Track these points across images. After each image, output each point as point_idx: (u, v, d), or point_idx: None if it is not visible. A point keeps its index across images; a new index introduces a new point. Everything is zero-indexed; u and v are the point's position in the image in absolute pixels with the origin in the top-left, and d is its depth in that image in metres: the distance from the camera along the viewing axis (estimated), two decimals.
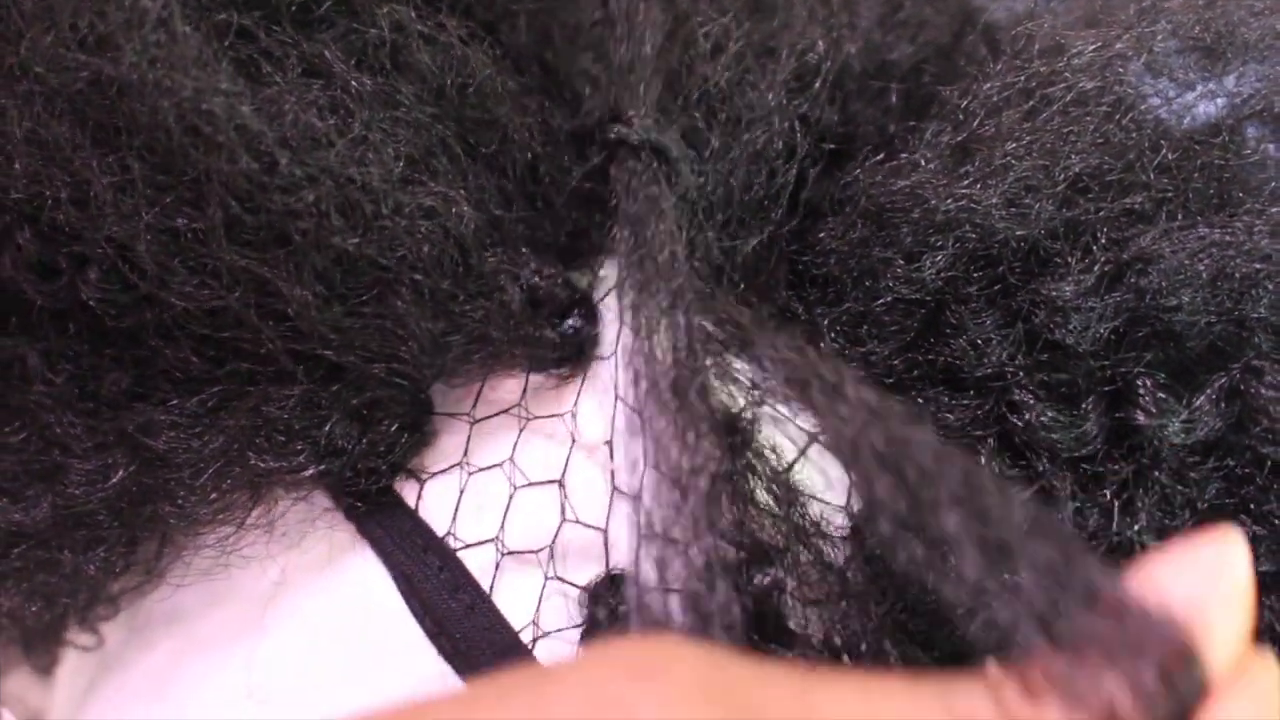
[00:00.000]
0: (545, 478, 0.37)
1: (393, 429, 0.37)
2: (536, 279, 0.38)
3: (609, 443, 0.37)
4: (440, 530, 0.37)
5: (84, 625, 0.40)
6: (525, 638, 0.36)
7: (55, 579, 0.36)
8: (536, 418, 0.38)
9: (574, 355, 0.38)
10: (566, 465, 0.37)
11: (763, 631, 0.34)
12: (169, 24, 0.32)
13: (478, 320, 0.36)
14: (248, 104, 0.33)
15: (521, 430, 0.38)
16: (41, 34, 0.32)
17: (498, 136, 0.38)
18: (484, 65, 0.38)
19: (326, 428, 0.36)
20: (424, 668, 0.35)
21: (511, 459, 0.37)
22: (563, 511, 0.37)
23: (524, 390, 0.38)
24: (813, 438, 0.39)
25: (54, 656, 0.43)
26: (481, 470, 0.38)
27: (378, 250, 0.35)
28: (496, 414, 0.38)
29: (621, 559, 0.36)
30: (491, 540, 0.37)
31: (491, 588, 0.36)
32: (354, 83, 0.36)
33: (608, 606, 0.35)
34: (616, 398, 0.37)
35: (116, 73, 0.32)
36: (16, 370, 0.36)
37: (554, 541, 0.37)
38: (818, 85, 0.41)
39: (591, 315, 0.39)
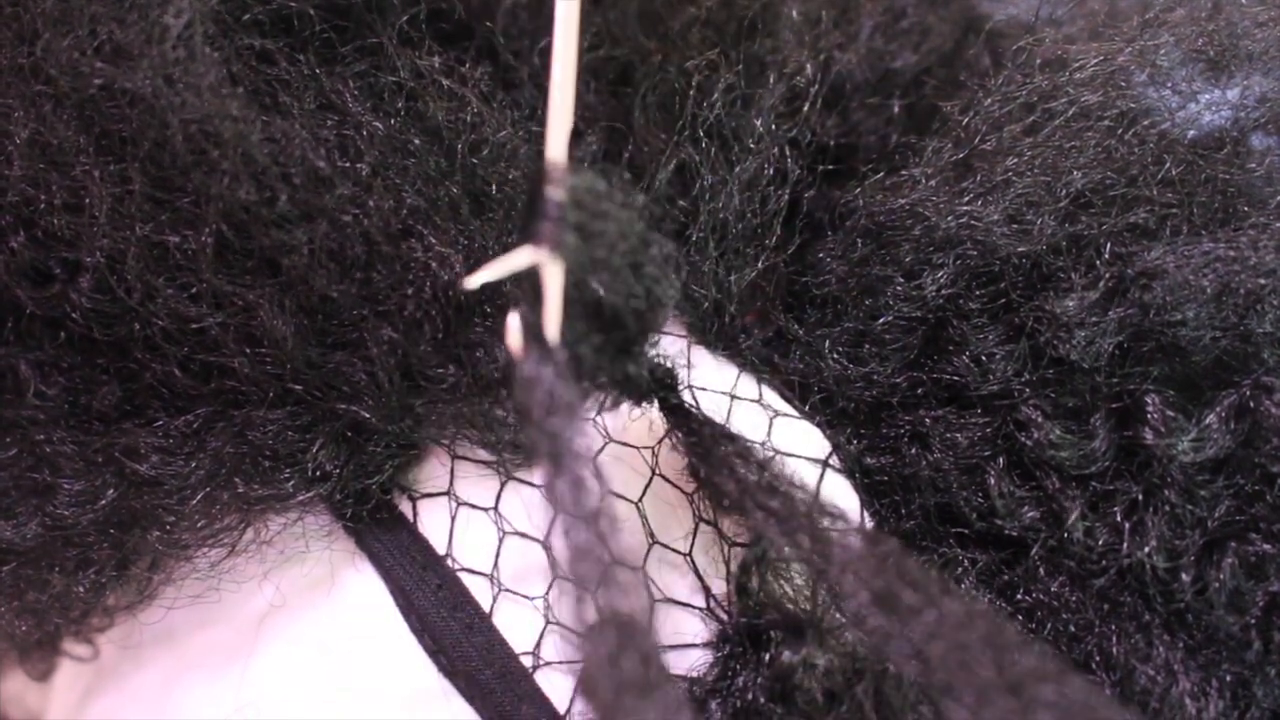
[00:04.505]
0: (530, 532, 0.37)
1: (380, 449, 0.36)
2: None
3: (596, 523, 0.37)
4: (439, 549, 0.37)
5: (79, 637, 0.40)
6: (525, 663, 0.35)
7: (45, 598, 0.35)
8: (515, 479, 0.38)
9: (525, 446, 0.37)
10: (550, 528, 0.37)
11: (789, 706, 0.34)
12: (190, 42, 0.32)
13: (445, 388, 0.36)
14: (257, 133, 0.32)
15: (504, 484, 0.37)
16: (59, 36, 0.32)
17: (506, 200, 0.37)
18: (499, 127, 0.37)
19: (313, 451, 0.35)
20: (423, 684, 0.35)
21: (496, 509, 0.37)
22: (554, 569, 0.36)
23: (500, 454, 0.38)
24: (825, 463, 0.39)
25: (51, 665, 0.43)
26: (469, 506, 0.37)
27: (361, 301, 0.34)
28: (477, 461, 0.38)
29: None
30: (487, 575, 0.36)
31: (491, 611, 0.36)
32: (367, 125, 0.36)
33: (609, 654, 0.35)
34: (605, 492, 0.37)
35: (130, 84, 0.32)
36: (9, 381, 0.35)
37: (548, 592, 0.36)
38: (806, 109, 0.40)
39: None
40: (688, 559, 0.37)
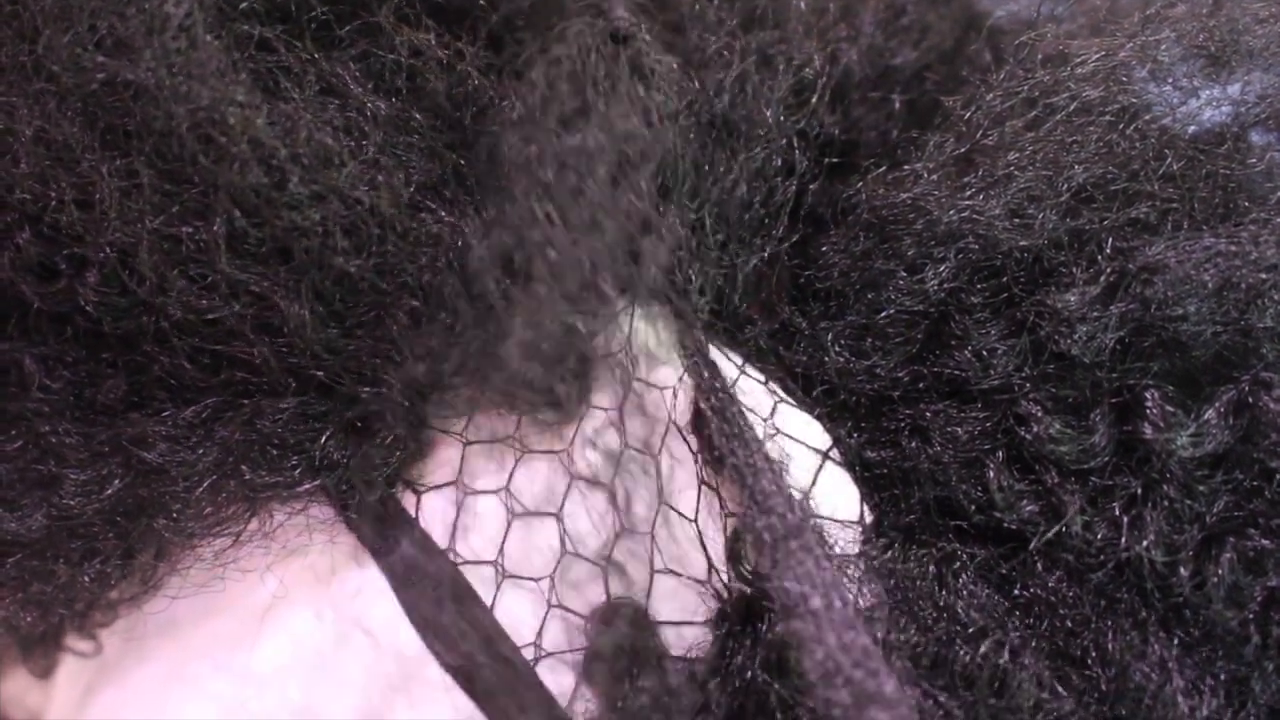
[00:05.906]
0: (542, 507, 0.37)
1: (388, 441, 0.36)
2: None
3: (611, 482, 0.37)
4: (441, 542, 0.37)
5: (81, 632, 0.40)
6: (527, 655, 0.36)
7: (50, 589, 0.36)
8: (533, 451, 0.37)
9: (556, 403, 0.37)
10: (565, 498, 0.37)
11: (783, 679, 0.34)
12: (191, 31, 0.32)
13: (470, 353, 0.36)
14: (263, 118, 0.32)
15: (518, 460, 0.37)
16: (60, 32, 0.32)
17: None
18: (500, 96, 0.37)
19: (321, 441, 0.35)
20: (425, 678, 0.35)
21: (507, 488, 0.37)
22: (563, 543, 0.36)
23: (518, 423, 0.37)
24: (825, 455, 0.39)
25: (52, 661, 0.43)
26: (477, 493, 0.37)
27: (379, 275, 0.35)
28: (491, 440, 0.38)
29: (621, 589, 0.36)
30: (491, 562, 0.36)
31: (493, 604, 0.36)
32: (369, 105, 0.36)
33: (612, 636, 0.35)
34: (625, 445, 0.37)
35: (133, 76, 0.32)
36: (13, 376, 0.35)
37: (555, 571, 0.36)
38: (814, 100, 0.40)
39: (584, 366, 0.37)
40: (694, 523, 0.37)
